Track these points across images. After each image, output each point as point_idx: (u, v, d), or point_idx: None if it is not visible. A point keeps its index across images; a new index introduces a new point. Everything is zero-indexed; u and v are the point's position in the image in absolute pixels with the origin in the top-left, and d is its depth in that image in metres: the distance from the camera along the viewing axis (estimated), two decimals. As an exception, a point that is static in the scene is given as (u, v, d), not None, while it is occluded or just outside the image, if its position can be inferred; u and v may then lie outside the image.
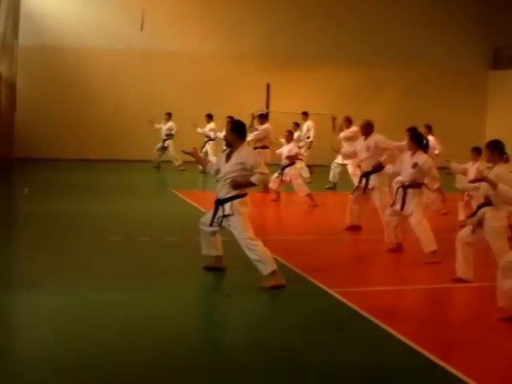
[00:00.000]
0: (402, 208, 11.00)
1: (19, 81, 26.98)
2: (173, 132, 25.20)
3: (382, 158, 12.94)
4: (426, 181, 11.34)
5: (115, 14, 28.26)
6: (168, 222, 14.32)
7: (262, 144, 19.47)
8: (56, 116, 27.58)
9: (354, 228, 13.48)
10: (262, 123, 20.03)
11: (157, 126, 25.43)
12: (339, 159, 20.43)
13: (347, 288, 9.02)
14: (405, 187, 10.98)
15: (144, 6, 27.06)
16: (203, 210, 15.26)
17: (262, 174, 8.89)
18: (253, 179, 8.89)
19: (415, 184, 10.97)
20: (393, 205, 11.31)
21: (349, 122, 20.11)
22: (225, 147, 10.23)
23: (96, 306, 7.85)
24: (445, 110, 30.74)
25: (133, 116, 27.73)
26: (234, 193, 8.95)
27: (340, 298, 8.47)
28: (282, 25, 29.94)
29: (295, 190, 17.16)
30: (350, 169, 19.95)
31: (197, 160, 10.22)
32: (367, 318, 7.68)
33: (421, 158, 10.95)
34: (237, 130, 9.18)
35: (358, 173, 19.44)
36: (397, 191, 11.23)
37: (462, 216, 14.40)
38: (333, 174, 20.83)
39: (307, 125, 23.97)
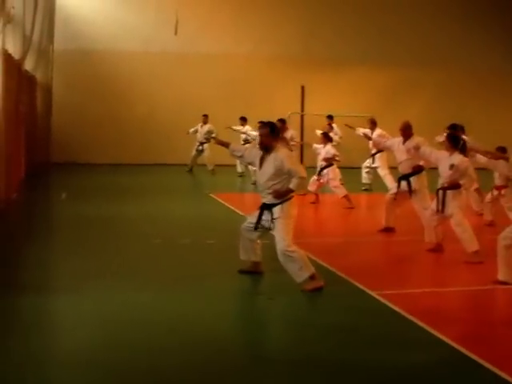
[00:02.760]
0: (443, 210, 11.00)
1: (55, 85, 27.26)
2: (213, 135, 24.87)
3: (422, 162, 12.88)
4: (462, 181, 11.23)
5: (149, 18, 28.44)
6: (206, 224, 14.37)
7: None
8: (92, 120, 27.81)
9: (388, 230, 13.41)
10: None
11: (191, 130, 25.25)
12: (369, 162, 20.46)
13: (388, 290, 8.97)
14: (444, 189, 10.99)
15: (178, 8, 27.21)
16: (240, 213, 15.38)
17: (300, 178, 8.78)
18: (292, 186, 8.77)
19: (454, 185, 10.95)
20: (431, 205, 11.40)
21: (373, 124, 20.11)
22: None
23: (138, 308, 7.89)
24: (479, 110, 30.55)
25: (168, 119, 27.88)
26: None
27: (381, 299, 8.44)
28: (316, 26, 29.94)
29: (333, 191, 17.19)
30: (381, 172, 19.97)
31: (220, 143, 10.14)
32: (410, 320, 7.65)
33: (457, 158, 10.92)
34: (275, 133, 9.10)
35: (389, 175, 19.57)
36: (437, 193, 11.20)
37: (488, 216, 14.49)
38: (365, 176, 20.95)
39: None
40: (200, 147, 25.22)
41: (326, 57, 30.16)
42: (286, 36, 29.70)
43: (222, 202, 17.34)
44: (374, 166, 20.40)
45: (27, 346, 6.63)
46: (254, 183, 21.56)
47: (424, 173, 12.94)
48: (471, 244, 10.75)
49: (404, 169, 12.97)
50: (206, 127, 25.05)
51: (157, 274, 9.70)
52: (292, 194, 8.91)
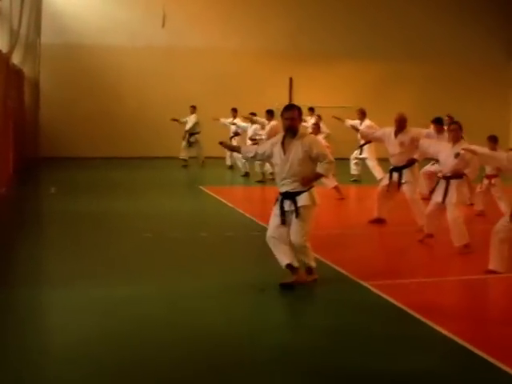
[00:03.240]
0: (444, 199, 10.88)
1: (42, 80, 27.12)
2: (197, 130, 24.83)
3: (416, 155, 12.84)
4: (466, 171, 11.11)
5: (136, 12, 28.35)
6: (197, 218, 14.37)
7: None
8: (80, 114, 27.70)
9: (380, 221, 13.33)
10: (269, 120, 20.02)
11: (182, 119, 24.96)
12: (357, 153, 20.46)
13: (381, 280, 8.96)
14: (447, 178, 10.86)
15: (165, 2, 27.15)
16: (231, 205, 15.37)
17: (329, 163, 8.43)
18: (321, 171, 8.46)
19: (457, 174, 10.85)
20: (433, 196, 11.24)
21: (363, 114, 20.04)
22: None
23: (132, 302, 7.86)
24: (467, 102, 30.59)
25: (156, 113, 27.76)
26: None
27: (378, 292, 8.43)
28: (304, 20, 29.93)
29: (322, 182, 17.11)
30: (370, 163, 20.04)
31: (229, 148, 9.90)
32: (407, 312, 7.65)
33: (463, 147, 10.63)
34: (301, 116, 8.66)
35: (378, 166, 19.63)
36: (437, 182, 11.16)
37: (479, 205, 14.52)
38: (353, 168, 20.97)
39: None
40: (191, 138, 25.04)
41: (314, 51, 30.14)
42: (274, 30, 29.67)
43: (213, 194, 17.31)
44: (362, 156, 20.43)
45: (22, 341, 6.61)
46: (245, 175, 21.63)
47: (416, 164, 12.92)
48: (461, 238, 10.72)
49: (397, 161, 12.82)
50: (194, 118, 24.89)
51: (149, 269, 9.67)
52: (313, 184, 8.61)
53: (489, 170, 14.00)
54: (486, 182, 14.29)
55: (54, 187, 17.77)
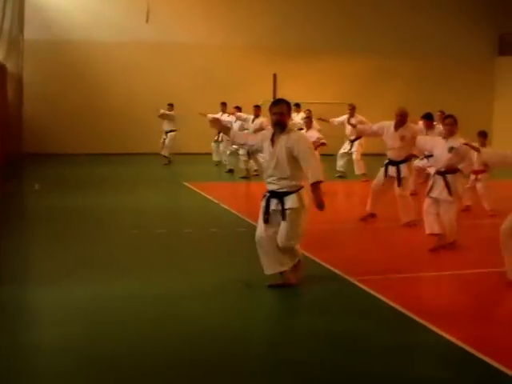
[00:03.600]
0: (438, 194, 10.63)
1: (26, 75, 26.96)
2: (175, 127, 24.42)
3: (415, 151, 12.78)
4: (460, 166, 10.95)
5: (121, 7, 28.23)
6: (183, 214, 14.38)
7: None
8: (64, 110, 27.57)
9: (371, 216, 13.16)
10: (257, 114, 20.02)
11: (162, 111, 24.24)
12: (348, 148, 20.44)
13: (370, 276, 8.98)
14: (442, 173, 10.65)
15: (150, -3, 27.05)
16: (216, 201, 15.36)
17: (311, 168, 7.96)
18: (312, 179, 7.96)
19: (451, 169, 10.66)
20: (429, 193, 10.83)
21: (353, 109, 19.94)
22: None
23: (120, 298, 7.85)
24: (453, 97, 30.61)
25: (142, 108, 27.58)
26: (294, 184, 8.05)
27: (361, 285, 8.46)
28: (289, 15, 29.91)
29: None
30: (356, 156, 20.05)
31: (219, 127, 9.39)
32: (396, 309, 7.68)
33: (457, 141, 10.54)
34: (290, 111, 8.35)
35: (362, 161, 19.64)
36: (432, 178, 10.91)
37: (467, 201, 14.29)
38: (341, 164, 20.88)
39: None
40: (164, 136, 24.59)
41: (300, 46, 30.12)
42: (259, 26, 29.64)
43: (198, 191, 17.27)
44: (351, 151, 20.34)
45: (10, 338, 6.60)
46: (229, 171, 21.63)
47: (413, 160, 12.86)
48: (455, 234, 10.63)
49: (396, 156, 12.63)
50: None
51: (136, 265, 9.66)
52: (302, 184, 8.16)
53: (476, 166, 13.76)
54: (472, 177, 14.22)
55: (37, 183, 17.68)
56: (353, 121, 18.17)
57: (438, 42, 31.96)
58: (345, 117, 19.76)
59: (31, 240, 11.61)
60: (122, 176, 21.32)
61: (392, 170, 12.67)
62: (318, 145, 16.09)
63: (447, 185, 10.51)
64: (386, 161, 12.85)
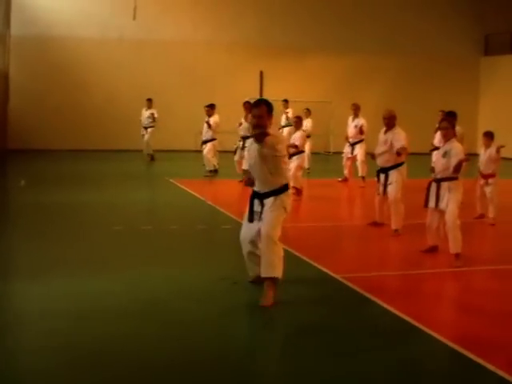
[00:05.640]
0: (437, 203, 10.14)
1: (12, 71, 26.92)
2: (155, 118, 24.11)
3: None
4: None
5: (107, 4, 28.24)
6: (167, 210, 14.36)
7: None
8: (49, 106, 27.53)
9: (377, 224, 12.64)
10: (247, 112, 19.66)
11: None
12: (347, 151, 19.70)
13: (354, 273, 9.03)
14: (438, 181, 10.15)
15: (136, -6, 27.00)
16: (201, 198, 15.37)
17: (275, 174, 7.68)
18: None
19: (448, 175, 10.03)
20: (426, 203, 10.36)
21: (358, 109, 19.51)
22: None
23: (104, 296, 7.85)
24: (437, 95, 30.81)
25: (126, 105, 27.63)
26: (277, 186, 7.75)
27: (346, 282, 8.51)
28: (275, 13, 30.00)
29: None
30: (359, 157, 19.42)
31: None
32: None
33: (450, 145, 10.12)
34: (271, 112, 7.69)
35: (365, 164, 19.16)
36: (428, 187, 10.34)
37: (480, 209, 13.77)
38: (346, 171, 19.88)
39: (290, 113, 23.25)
40: (143, 131, 24.45)
41: (286, 44, 30.20)
42: (245, 23, 29.71)
43: (183, 187, 17.27)
44: (354, 154, 19.41)
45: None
46: (213, 171, 21.50)
47: (405, 165, 12.20)
48: (456, 244, 9.93)
49: (382, 161, 12.18)
50: (149, 111, 24.28)
51: (121, 261, 9.64)
52: (287, 183, 7.87)
53: (485, 170, 13.46)
54: (481, 181, 13.64)
55: (23, 180, 17.59)
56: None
57: (424, 41, 32.13)
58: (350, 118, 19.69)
59: (14, 237, 11.55)
60: (105, 172, 21.27)
61: (381, 177, 12.19)
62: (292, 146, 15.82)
63: (438, 193, 10.06)
64: (378, 168, 12.39)
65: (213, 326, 7.02)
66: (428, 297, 8.35)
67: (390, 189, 12.05)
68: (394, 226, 12.06)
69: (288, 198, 7.84)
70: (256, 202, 7.86)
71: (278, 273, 7.65)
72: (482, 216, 13.74)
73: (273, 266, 7.61)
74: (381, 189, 12.22)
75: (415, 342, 6.65)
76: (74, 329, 6.77)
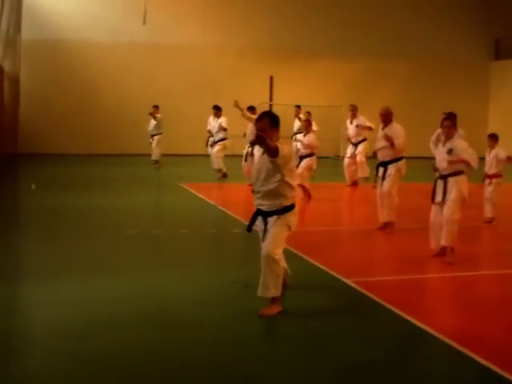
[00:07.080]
0: (443, 199, 10.18)
1: (23, 76, 27.01)
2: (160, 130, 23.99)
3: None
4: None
5: (118, 8, 28.32)
6: (177, 214, 14.35)
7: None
8: (60, 110, 27.62)
9: (384, 226, 12.59)
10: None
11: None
12: (350, 151, 19.86)
13: (363, 278, 9.02)
14: (444, 177, 10.25)
15: (147, -1, 27.09)
16: (212, 202, 15.39)
17: (278, 156, 7.19)
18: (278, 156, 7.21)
19: (454, 171, 10.17)
20: (433, 200, 10.41)
21: (355, 110, 19.74)
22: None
23: (117, 300, 7.85)
24: (447, 100, 30.69)
25: (136, 110, 27.69)
26: (280, 204, 7.48)
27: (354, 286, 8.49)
28: (285, 17, 30.02)
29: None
30: (359, 158, 19.57)
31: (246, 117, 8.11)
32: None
33: (454, 142, 10.31)
34: (276, 124, 7.45)
35: (366, 165, 19.31)
36: (435, 184, 10.40)
37: (488, 213, 13.72)
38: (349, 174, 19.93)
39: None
40: (150, 140, 24.30)
41: (295, 48, 30.25)
42: (255, 27, 29.75)
43: (193, 191, 17.29)
44: (356, 153, 19.59)
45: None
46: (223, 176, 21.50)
47: (404, 160, 12.43)
48: (450, 238, 10.09)
49: (382, 155, 12.44)
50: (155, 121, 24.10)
51: (131, 265, 9.63)
52: (294, 201, 7.59)
53: (490, 170, 13.54)
54: (487, 181, 13.70)
55: (34, 184, 17.64)
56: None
57: (434, 45, 32.12)
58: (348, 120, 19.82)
59: (24, 239, 11.57)
60: (115, 177, 21.32)
61: (380, 170, 12.44)
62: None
63: (445, 188, 10.13)
64: (378, 162, 12.58)
65: (225, 329, 7.01)
66: (446, 303, 8.33)
67: (385, 181, 12.33)
68: (386, 219, 12.27)
69: (293, 217, 7.60)
70: (260, 219, 7.63)
71: (273, 293, 7.52)
72: (491, 220, 13.71)
73: (268, 287, 7.49)
74: (380, 182, 12.51)
75: (438, 357, 6.57)
76: (84, 333, 6.76)
